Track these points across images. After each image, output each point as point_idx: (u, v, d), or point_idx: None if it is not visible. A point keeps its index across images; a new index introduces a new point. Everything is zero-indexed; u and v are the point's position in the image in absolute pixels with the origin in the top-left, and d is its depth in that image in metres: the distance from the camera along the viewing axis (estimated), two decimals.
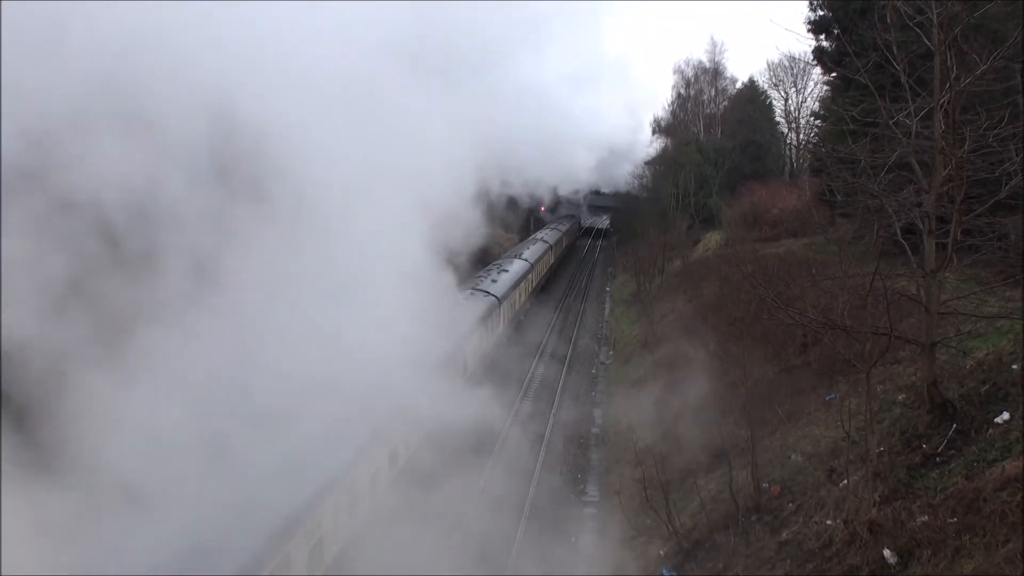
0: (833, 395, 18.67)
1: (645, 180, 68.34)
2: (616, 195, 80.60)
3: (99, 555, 10.21)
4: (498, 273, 35.63)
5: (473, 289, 30.43)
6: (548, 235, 59.57)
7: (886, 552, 10.95)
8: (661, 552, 16.44)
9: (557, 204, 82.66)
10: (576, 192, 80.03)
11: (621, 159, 74.41)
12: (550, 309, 48.45)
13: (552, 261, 56.90)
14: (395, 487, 17.35)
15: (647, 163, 69.50)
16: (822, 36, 36.11)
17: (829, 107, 37.35)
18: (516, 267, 39.08)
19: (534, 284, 44.97)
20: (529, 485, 22.07)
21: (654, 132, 76.05)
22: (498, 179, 40.45)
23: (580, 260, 77.01)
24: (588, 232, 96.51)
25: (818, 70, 48.80)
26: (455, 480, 19.34)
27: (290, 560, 11.84)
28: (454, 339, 23.00)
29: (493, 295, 31.40)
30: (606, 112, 77.14)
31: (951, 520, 10.72)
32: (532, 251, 47.31)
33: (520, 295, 38.81)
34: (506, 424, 25.59)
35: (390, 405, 16.77)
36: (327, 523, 13.45)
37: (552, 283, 55.42)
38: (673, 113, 79.17)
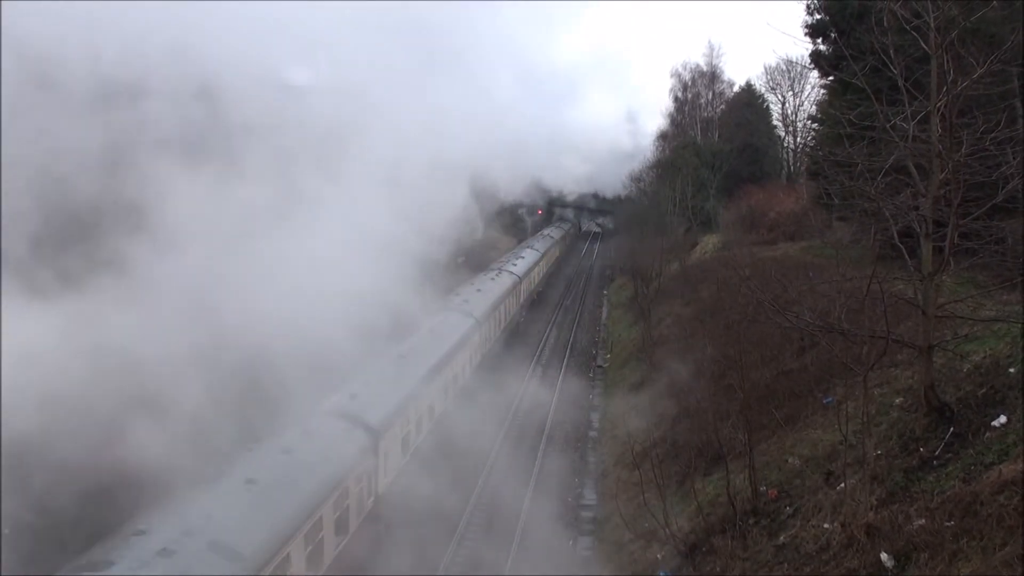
0: (830, 398, 18.65)
1: (643, 184, 68.16)
2: (615, 200, 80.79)
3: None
4: (516, 260, 46.15)
5: (499, 270, 40.50)
6: (554, 232, 71.83)
7: (883, 555, 10.93)
8: (659, 555, 16.42)
9: (552, 209, 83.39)
10: (582, 195, 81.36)
11: (620, 162, 74.54)
12: (547, 313, 48.75)
13: (558, 254, 69.21)
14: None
15: (650, 167, 69.46)
16: (819, 40, 36.18)
17: (826, 111, 37.31)
18: (530, 255, 50.31)
19: (544, 270, 56.63)
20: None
21: (662, 139, 75.94)
22: (494, 184, 43.99)
23: (578, 263, 77.04)
24: (585, 236, 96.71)
25: (815, 74, 48.90)
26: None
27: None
28: (498, 298, 34.92)
29: (515, 274, 41.96)
30: (603, 116, 77.37)
31: (948, 523, 10.71)
32: (542, 243, 59.97)
33: (535, 276, 50.47)
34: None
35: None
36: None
37: (554, 277, 63.42)
38: (671, 116, 79.29)
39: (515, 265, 43.93)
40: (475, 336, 28.60)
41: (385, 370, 20.41)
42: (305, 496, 13.64)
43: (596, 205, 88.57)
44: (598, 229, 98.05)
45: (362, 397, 18.01)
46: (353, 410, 17.23)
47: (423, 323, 25.00)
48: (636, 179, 69.59)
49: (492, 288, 35.23)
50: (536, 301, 50.37)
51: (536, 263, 50.60)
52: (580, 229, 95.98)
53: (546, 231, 70.60)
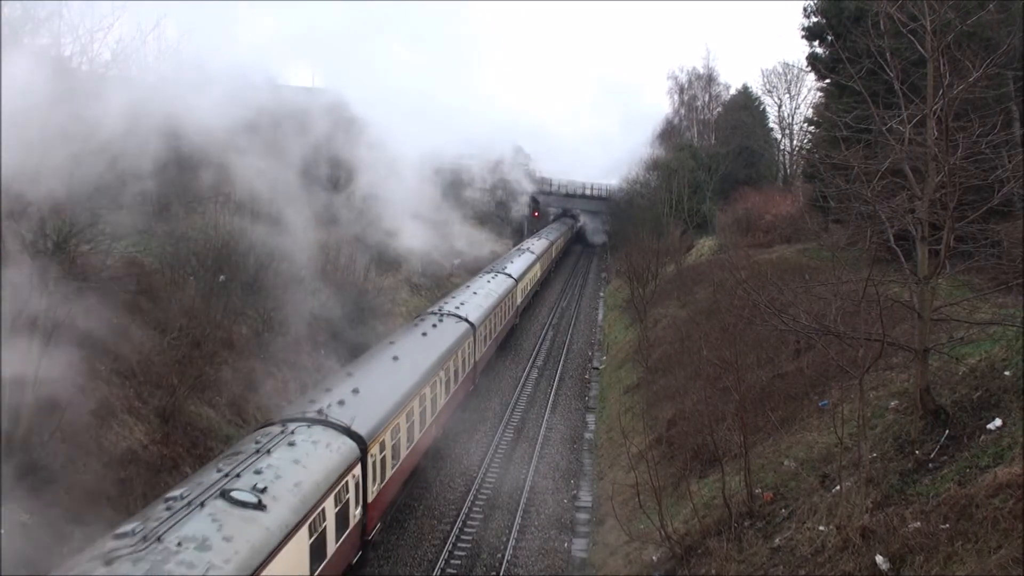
0: (826, 401, 18.67)
1: (640, 186, 68.03)
2: (612, 201, 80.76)
3: None
4: (541, 237, 65.25)
5: (536, 238, 63.39)
6: (563, 223, 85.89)
7: (878, 558, 10.94)
8: (654, 558, 16.41)
9: (548, 211, 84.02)
10: (577, 195, 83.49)
11: (616, 163, 74.58)
12: (544, 315, 48.82)
13: (569, 238, 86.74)
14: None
15: (649, 169, 69.46)
16: (816, 43, 36.33)
17: (823, 113, 37.49)
18: (551, 236, 69.65)
19: (560, 248, 75.80)
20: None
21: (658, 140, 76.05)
22: (490, 186, 47.07)
23: (573, 268, 77.12)
24: (580, 239, 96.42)
25: (811, 77, 49.12)
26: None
27: None
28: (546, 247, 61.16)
29: (547, 240, 64.17)
30: (599, 116, 77.47)
31: (943, 526, 10.72)
32: (554, 230, 75.69)
33: (559, 246, 73.29)
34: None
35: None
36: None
37: (556, 272, 71.20)
38: (667, 118, 79.36)
39: (543, 238, 66.20)
40: (537, 264, 51.80)
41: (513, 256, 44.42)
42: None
43: (588, 207, 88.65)
44: (596, 234, 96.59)
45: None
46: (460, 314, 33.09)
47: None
48: (634, 181, 69.54)
49: (537, 245, 58.32)
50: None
51: (556, 240, 71.10)
52: (575, 229, 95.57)
53: (556, 222, 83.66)
